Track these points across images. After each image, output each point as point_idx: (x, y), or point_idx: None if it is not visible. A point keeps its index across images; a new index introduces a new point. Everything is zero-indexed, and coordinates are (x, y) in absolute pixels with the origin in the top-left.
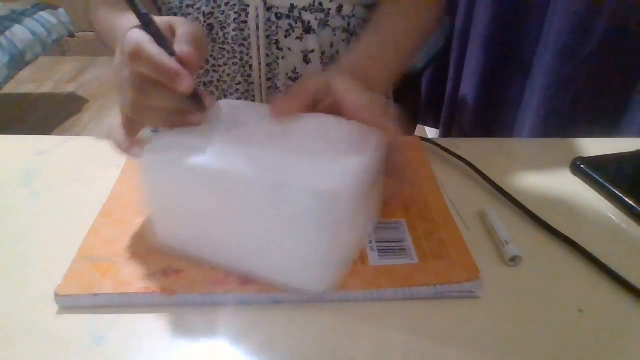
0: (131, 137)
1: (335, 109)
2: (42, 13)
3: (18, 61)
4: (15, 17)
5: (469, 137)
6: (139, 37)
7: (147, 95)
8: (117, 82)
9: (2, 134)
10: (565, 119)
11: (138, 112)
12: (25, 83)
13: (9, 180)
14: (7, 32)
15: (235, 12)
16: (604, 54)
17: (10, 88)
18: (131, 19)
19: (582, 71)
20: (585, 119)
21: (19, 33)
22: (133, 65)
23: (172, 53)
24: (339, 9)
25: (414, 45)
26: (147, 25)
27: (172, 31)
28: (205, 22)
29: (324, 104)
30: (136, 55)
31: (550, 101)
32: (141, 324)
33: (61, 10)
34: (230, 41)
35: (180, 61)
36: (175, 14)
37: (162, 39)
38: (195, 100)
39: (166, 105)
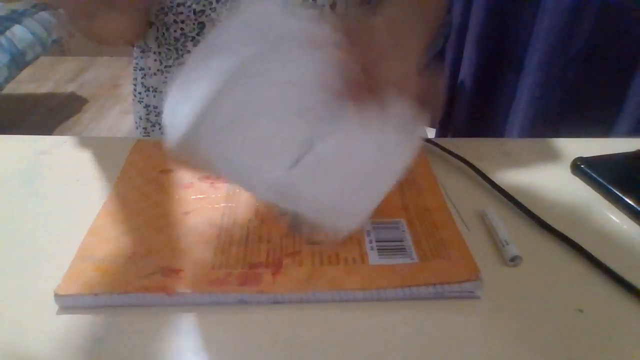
0: None
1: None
2: (42, 13)
3: (18, 61)
4: (15, 17)
5: (463, 136)
6: None
7: None
8: None
9: (2, 134)
10: (554, 118)
11: None
12: (25, 83)
13: (9, 180)
14: (7, 32)
15: (227, 9)
16: (591, 53)
17: (11, 88)
18: None
19: (570, 71)
20: (574, 118)
21: (19, 33)
22: None
23: None
24: (333, 5)
25: (432, 26)
26: None
27: None
28: (196, 20)
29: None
30: None
31: (539, 101)
32: (141, 324)
33: (61, 10)
34: None
35: None
36: (166, 14)
37: None
38: None
39: None
